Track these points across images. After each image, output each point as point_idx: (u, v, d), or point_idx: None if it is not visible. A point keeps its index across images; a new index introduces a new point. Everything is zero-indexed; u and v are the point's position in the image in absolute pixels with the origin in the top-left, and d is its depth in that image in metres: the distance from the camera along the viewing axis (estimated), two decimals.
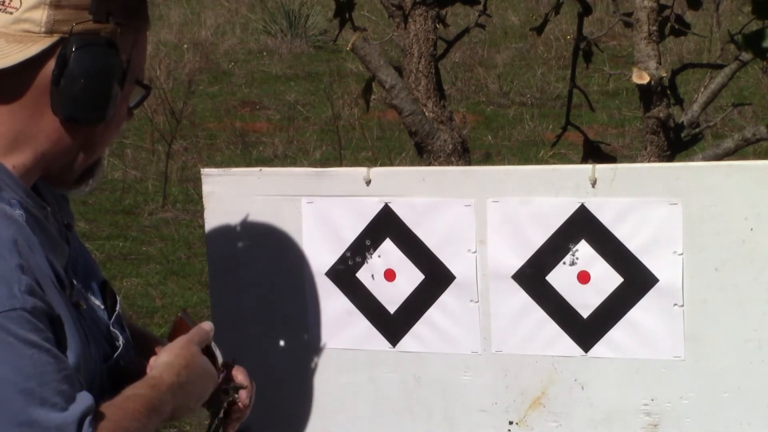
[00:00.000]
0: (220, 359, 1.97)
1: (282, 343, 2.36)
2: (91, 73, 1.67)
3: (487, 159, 8.94)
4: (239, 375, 2.02)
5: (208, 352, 1.96)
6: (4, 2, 1.66)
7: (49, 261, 1.68)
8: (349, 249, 2.29)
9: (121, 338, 1.84)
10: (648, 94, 2.75)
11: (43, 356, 1.58)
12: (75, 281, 1.79)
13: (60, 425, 1.58)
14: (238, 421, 2.05)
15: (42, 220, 1.73)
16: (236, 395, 2.02)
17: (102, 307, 1.85)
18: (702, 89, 3.19)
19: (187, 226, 7.71)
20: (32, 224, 1.68)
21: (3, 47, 1.65)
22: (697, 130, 3.01)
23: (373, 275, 2.28)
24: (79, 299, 1.76)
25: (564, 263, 2.16)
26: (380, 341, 2.30)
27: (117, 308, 1.88)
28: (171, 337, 1.95)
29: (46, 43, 1.66)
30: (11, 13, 1.65)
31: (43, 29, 1.65)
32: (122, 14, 1.69)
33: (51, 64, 1.67)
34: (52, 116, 1.69)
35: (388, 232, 2.26)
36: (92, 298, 1.84)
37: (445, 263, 2.23)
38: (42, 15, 1.65)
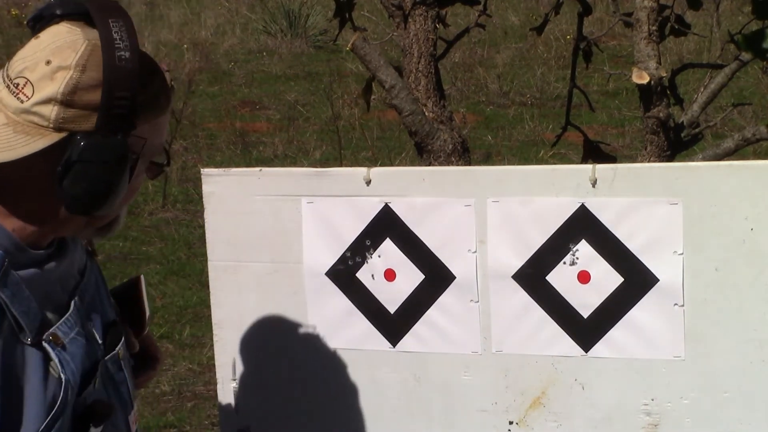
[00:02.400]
0: (147, 313, 2.00)
1: (282, 343, 2.36)
2: (95, 174, 1.64)
3: (487, 159, 8.94)
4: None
5: (138, 303, 1.97)
6: (18, 86, 1.64)
7: (17, 317, 1.66)
8: (349, 249, 2.29)
9: (98, 381, 1.81)
10: (648, 94, 2.75)
11: None
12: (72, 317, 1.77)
13: None
14: None
15: (33, 270, 1.71)
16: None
17: (100, 341, 1.83)
18: (702, 89, 3.19)
19: (187, 226, 7.71)
20: (11, 281, 1.65)
21: (10, 138, 1.63)
22: (697, 130, 3.01)
23: (373, 275, 2.28)
24: (61, 336, 1.73)
25: (564, 263, 2.16)
26: (380, 341, 2.30)
27: (117, 348, 1.86)
28: (122, 290, 1.99)
29: (53, 138, 1.63)
30: (22, 101, 1.63)
31: (51, 125, 1.62)
32: (131, 120, 1.65)
33: (57, 160, 1.63)
34: (60, 206, 1.67)
35: (388, 232, 2.26)
36: (93, 330, 1.83)
37: (445, 263, 2.23)
38: (51, 111, 1.62)
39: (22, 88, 1.64)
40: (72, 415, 1.73)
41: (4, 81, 1.66)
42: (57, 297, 1.76)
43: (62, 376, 1.69)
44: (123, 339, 1.89)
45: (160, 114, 1.71)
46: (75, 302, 1.79)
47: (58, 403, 1.69)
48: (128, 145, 1.66)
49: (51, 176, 1.64)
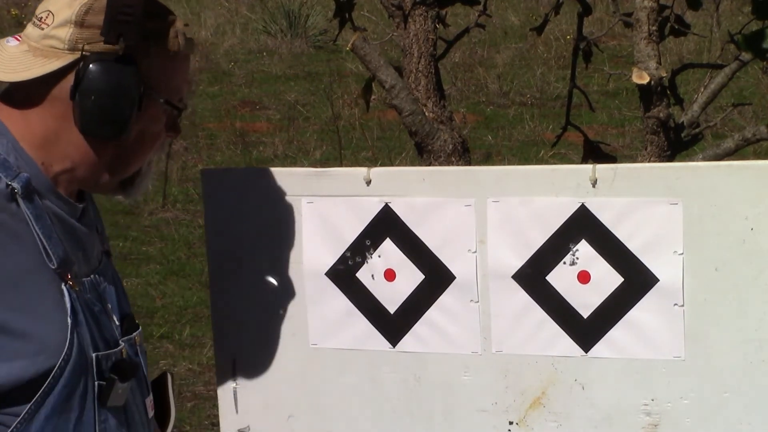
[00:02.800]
0: (172, 413, 2.06)
1: (282, 342, 2.36)
2: (103, 90, 1.77)
3: (487, 159, 8.94)
4: None
5: (164, 400, 2.02)
6: (40, 19, 1.80)
7: (41, 237, 1.75)
8: (349, 249, 2.29)
9: (125, 347, 1.88)
10: (648, 94, 2.75)
11: None
12: (89, 279, 1.86)
13: None
14: None
15: (61, 213, 1.81)
16: None
17: (117, 323, 1.90)
18: (702, 89, 3.19)
19: (187, 226, 7.71)
20: (36, 204, 1.76)
21: (29, 60, 1.78)
22: (697, 130, 3.01)
23: (373, 275, 2.28)
24: (79, 287, 1.82)
25: (564, 263, 2.16)
26: (380, 341, 2.30)
27: (134, 334, 1.93)
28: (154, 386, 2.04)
29: (68, 59, 1.77)
30: (43, 29, 1.79)
31: (66, 46, 1.77)
32: (138, 37, 1.77)
33: (71, 80, 1.77)
34: (77, 133, 1.80)
35: (388, 232, 2.26)
36: (109, 311, 1.89)
37: (445, 263, 2.23)
38: (67, 33, 1.77)
39: (45, 19, 1.79)
40: (97, 371, 1.81)
41: (33, 23, 1.81)
42: (80, 258, 1.84)
43: (68, 320, 1.76)
44: (138, 330, 1.96)
45: (174, 51, 1.83)
46: (95, 277, 1.87)
47: (66, 343, 1.76)
48: (140, 72, 1.78)
49: (68, 100, 1.77)
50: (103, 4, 1.76)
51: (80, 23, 1.77)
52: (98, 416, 1.82)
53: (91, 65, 1.76)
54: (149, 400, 1.98)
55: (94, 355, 1.81)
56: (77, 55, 1.76)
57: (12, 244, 1.73)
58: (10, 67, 1.78)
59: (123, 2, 1.75)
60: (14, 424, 1.74)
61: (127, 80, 1.78)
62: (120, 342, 1.88)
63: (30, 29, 1.81)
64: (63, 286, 1.77)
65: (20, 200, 1.74)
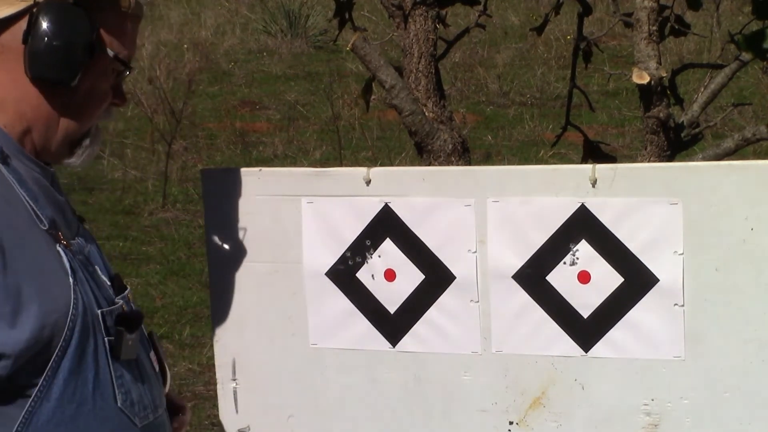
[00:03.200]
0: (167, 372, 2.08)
1: (282, 343, 2.36)
2: (56, 33, 1.79)
3: (487, 159, 8.94)
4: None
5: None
6: None
7: (28, 200, 1.77)
8: (349, 249, 2.29)
9: (123, 303, 1.91)
10: (648, 94, 2.75)
11: None
12: (75, 240, 1.88)
13: None
14: None
15: (37, 176, 1.83)
16: None
17: (108, 283, 1.92)
18: (702, 89, 3.19)
19: (187, 226, 7.71)
20: (13, 168, 1.78)
21: None
22: (697, 130, 3.01)
23: (373, 275, 2.28)
24: (73, 246, 1.84)
25: (564, 263, 2.16)
26: (380, 341, 2.30)
27: (126, 292, 1.95)
28: None
29: (20, 6, 1.79)
30: None
31: None
32: None
33: (22, 27, 1.79)
34: (24, 80, 1.81)
35: (388, 232, 2.26)
36: (99, 272, 1.91)
37: (445, 263, 2.23)
38: None
39: None
40: (104, 326, 1.82)
41: None
42: (62, 221, 1.85)
43: (70, 280, 1.78)
44: (129, 289, 1.98)
45: (125, 9, 1.86)
46: (78, 240, 1.88)
47: (71, 303, 1.77)
48: (91, 19, 1.81)
49: (20, 50, 1.79)
50: None
51: None
52: (114, 372, 1.83)
53: (45, 8, 1.78)
54: (152, 355, 2.00)
55: (99, 311, 1.82)
56: (29, 1, 1.79)
57: (6, 207, 1.74)
58: None
59: None
60: (35, 393, 1.75)
61: (80, 25, 1.81)
62: (116, 300, 1.89)
63: None
64: (58, 247, 1.79)
65: (0, 165, 1.76)
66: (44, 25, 1.78)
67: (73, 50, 1.81)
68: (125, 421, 1.85)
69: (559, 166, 2.30)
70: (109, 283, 1.92)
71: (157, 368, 2.00)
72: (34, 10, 1.79)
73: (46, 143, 1.86)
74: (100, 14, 1.84)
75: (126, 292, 1.95)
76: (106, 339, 1.82)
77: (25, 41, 1.79)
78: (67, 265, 1.79)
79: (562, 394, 2.20)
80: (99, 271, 1.90)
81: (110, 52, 1.86)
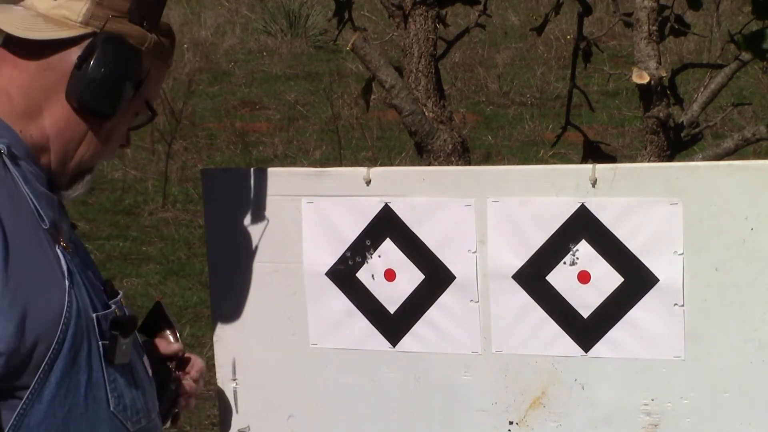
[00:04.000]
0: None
1: (282, 343, 2.36)
2: (112, 66, 1.84)
3: (487, 159, 8.94)
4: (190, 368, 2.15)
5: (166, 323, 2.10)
6: None
7: (32, 199, 1.79)
8: (349, 249, 2.29)
9: (114, 308, 1.91)
10: (648, 94, 2.75)
11: None
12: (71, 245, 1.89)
13: None
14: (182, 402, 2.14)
15: (41, 180, 1.84)
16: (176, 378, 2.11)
17: (101, 288, 1.93)
18: (702, 89, 3.18)
19: (187, 226, 7.71)
20: (20, 167, 1.79)
21: (40, 24, 1.83)
22: (697, 130, 3.00)
23: (373, 275, 2.28)
24: (71, 249, 1.86)
25: (564, 263, 2.16)
26: (380, 341, 2.30)
27: (119, 297, 1.95)
28: (146, 321, 2.10)
29: (79, 31, 1.84)
30: (56, 0, 1.84)
31: (79, 19, 1.84)
32: (154, 27, 1.89)
33: (76, 52, 1.83)
34: (64, 103, 1.84)
35: (388, 232, 2.26)
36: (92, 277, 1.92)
37: (445, 263, 2.23)
38: (82, 7, 1.84)
39: None
40: (98, 330, 1.83)
41: None
42: (63, 223, 1.88)
43: (65, 282, 1.79)
44: (121, 293, 1.99)
45: (165, 56, 1.95)
46: (72, 245, 1.89)
47: (65, 305, 1.78)
48: (142, 66, 1.89)
49: (64, 74, 1.83)
50: None
51: (98, 2, 1.84)
52: (107, 376, 1.84)
53: (106, 40, 1.83)
54: (146, 360, 2.00)
55: (94, 315, 1.83)
56: (89, 29, 1.83)
57: (11, 203, 1.76)
58: (23, 25, 1.83)
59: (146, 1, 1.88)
60: (26, 395, 1.74)
61: (134, 65, 1.87)
62: (110, 304, 1.89)
63: (35, 1, 1.87)
64: (57, 248, 1.80)
65: (7, 161, 1.77)
66: (103, 56, 1.83)
67: (122, 86, 1.86)
68: (117, 425, 1.85)
69: (559, 166, 2.31)
70: (102, 287, 1.92)
71: (150, 372, 2.00)
72: (95, 39, 1.83)
73: (56, 167, 1.88)
74: (149, 58, 1.90)
75: (118, 297, 1.95)
76: (100, 343, 1.83)
77: (78, 67, 1.82)
78: (65, 267, 1.79)
79: (562, 394, 2.20)
80: (93, 275, 1.91)
81: (144, 98, 1.92)
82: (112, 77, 1.84)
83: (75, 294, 1.79)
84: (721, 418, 2.11)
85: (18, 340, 1.71)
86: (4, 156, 1.76)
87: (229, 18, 14.82)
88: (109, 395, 1.84)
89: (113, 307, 1.89)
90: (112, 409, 1.84)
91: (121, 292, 1.97)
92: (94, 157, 1.91)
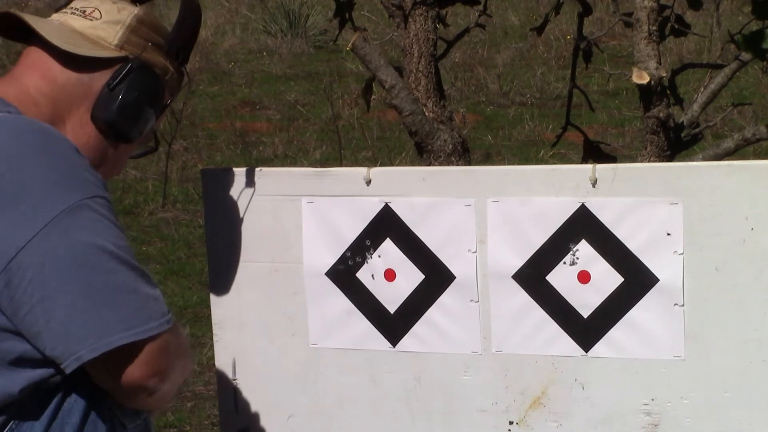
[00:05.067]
0: None
1: (282, 343, 2.36)
2: (144, 93, 1.92)
3: (487, 159, 8.94)
4: None
5: None
6: (86, 12, 1.94)
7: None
8: (349, 249, 2.29)
9: None
10: (648, 94, 2.75)
11: (126, 239, 1.79)
12: None
13: (156, 296, 1.77)
14: None
15: None
16: None
17: None
18: (702, 89, 3.18)
19: (187, 226, 7.71)
20: None
21: (78, 41, 1.90)
22: (697, 130, 3.00)
23: (373, 275, 2.28)
24: None
25: (564, 263, 2.16)
26: (380, 341, 2.30)
27: None
28: None
29: (114, 53, 1.92)
30: (91, 20, 1.93)
31: (115, 42, 1.92)
32: (185, 61, 1.98)
33: (108, 74, 1.91)
34: (87, 121, 1.90)
35: (388, 232, 2.26)
36: None
37: (445, 263, 2.23)
38: (118, 31, 1.93)
39: (91, 13, 1.94)
40: None
41: (65, 13, 1.95)
42: None
43: None
44: None
45: (177, 90, 2.03)
46: None
47: None
48: (165, 93, 1.98)
49: (93, 93, 1.89)
50: (152, 19, 1.98)
51: (133, 29, 1.93)
52: None
53: (141, 67, 1.92)
54: None
55: None
56: (123, 53, 1.92)
57: None
58: (62, 38, 1.89)
59: (192, 28, 2.02)
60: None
61: (161, 95, 1.97)
62: None
63: (68, 18, 1.93)
64: None
65: None
66: (133, 81, 1.90)
67: (149, 113, 1.94)
68: (117, 424, 1.86)
69: (559, 166, 2.30)
70: None
71: None
72: (130, 63, 1.91)
73: None
74: (168, 90, 1.98)
75: None
76: None
77: (112, 88, 1.89)
78: None
79: (562, 394, 2.20)
80: None
81: (156, 126, 2.01)
82: (142, 103, 1.92)
83: None
84: (721, 418, 2.11)
85: None
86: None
87: (229, 18, 14.82)
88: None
89: None
90: (108, 407, 1.85)
91: None
92: (115, 170, 2.01)
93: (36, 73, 1.89)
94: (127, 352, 1.73)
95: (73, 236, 1.71)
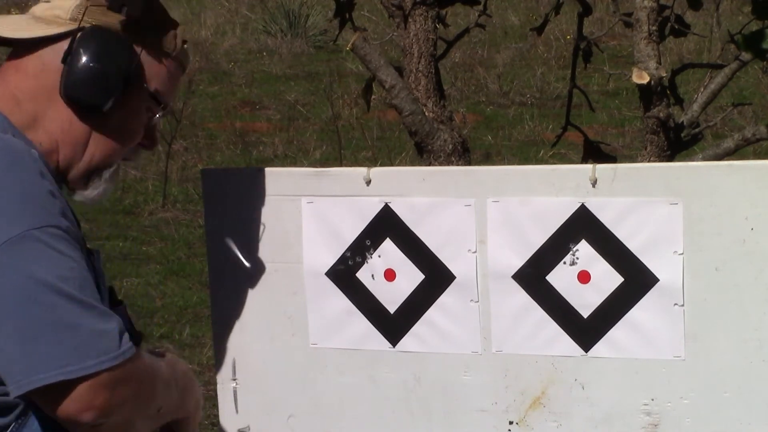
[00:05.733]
0: None
1: (282, 343, 2.36)
2: (94, 56, 1.82)
3: (487, 159, 8.94)
4: None
5: None
6: None
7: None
8: (349, 249, 2.29)
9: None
10: (648, 94, 2.75)
11: (82, 270, 1.71)
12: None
13: (103, 331, 1.69)
14: None
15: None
16: None
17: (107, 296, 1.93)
18: (702, 89, 3.19)
19: (187, 226, 7.71)
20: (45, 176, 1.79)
21: (31, 25, 1.86)
22: (697, 130, 3.01)
23: (373, 275, 2.28)
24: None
25: (564, 263, 2.16)
26: (380, 341, 2.30)
27: (120, 307, 1.95)
28: None
29: (68, 27, 1.84)
30: (49, 1, 1.88)
31: (69, 16, 1.85)
32: (138, 15, 1.85)
33: (65, 48, 1.84)
34: (63, 104, 1.84)
35: (388, 232, 2.26)
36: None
37: (445, 263, 2.23)
38: (72, 4, 1.85)
39: None
40: None
41: (37, 6, 1.90)
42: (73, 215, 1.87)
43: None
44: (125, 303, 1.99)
45: (168, 51, 1.90)
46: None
47: None
48: (131, 51, 1.85)
49: (59, 71, 1.82)
50: None
51: None
52: None
53: (89, 32, 1.83)
54: None
55: None
56: (76, 24, 1.84)
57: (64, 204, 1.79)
58: (11, 28, 1.86)
59: None
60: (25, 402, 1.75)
61: (120, 53, 1.85)
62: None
63: (35, 7, 1.89)
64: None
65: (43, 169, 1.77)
66: (85, 47, 1.82)
67: (108, 76, 1.83)
68: None
69: (559, 166, 2.30)
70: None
71: None
72: (79, 32, 1.83)
73: (68, 167, 1.88)
74: (143, 48, 1.87)
75: (120, 306, 1.94)
76: None
77: (64, 61, 1.82)
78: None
79: (562, 394, 2.20)
80: (104, 297, 1.90)
81: (149, 89, 1.89)
82: (95, 67, 1.82)
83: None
84: (721, 418, 2.11)
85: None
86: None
87: (229, 18, 14.82)
88: None
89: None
90: None
91: (125, 303, 1.98)
92: (106, 156, 1.90)
93: (11, 71, 1.87)
94: (58, 390, 1.68)
95: (12, 269, 1.66)
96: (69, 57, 1.82)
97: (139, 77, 1.87)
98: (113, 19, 1.85)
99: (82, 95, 1.83)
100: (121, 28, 1.85)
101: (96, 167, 1.90)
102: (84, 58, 1.81)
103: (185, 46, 1.95)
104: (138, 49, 1.86)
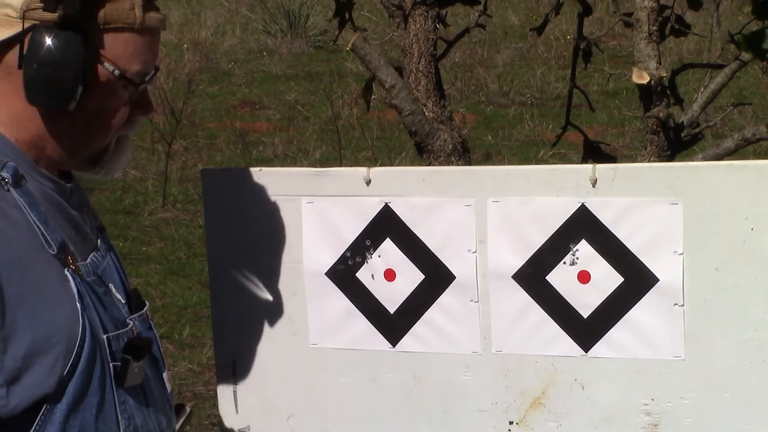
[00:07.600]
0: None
1: (282, 343, 2.36)
2: (44, 58, 1.72)
3: (487, 159, 8.94)
4: None
5: None
6: None
7: (38, 224, 1.73)
8: (349, 249, 2.29)
9: (134, 326, 1.87)
10: (648, 94, 2.75)
11: None
12: (91, 257, 1.85)
13: None
14: None
15: (51, 194, 1.80)
16: None
17: (123, 301, 1.89)
18: (702, 89, 3.18)
19: (187, 226, 7.71)
20: (26, 191, 1.73)
21: None
22: (697, 130, 3.00)
23: (373, 275, 2.28)
24: (82, 270, 1.80)
25: (564, 263, 2.16)
26: (380, 341, 2.30)
27: (144, 309, 1.93)
28: None
29: (18, 28, 1.72)
30: None
31: (17, 15, 1.72)
32: (79, 5, 1.72)
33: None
34: (31, 108, 1.76)
35: (388, 232, 2.26)
36: (114, 291, 1.88)
37: (445, 263, 2.23)
38: (20, 1, 1.72)
39: None
40: (110, 353, 1.79)
41: None
42: (76, 238, 1.82)
43: (78, 305, 1.75)
44: (147, 306, 1.94)
45: (129, 24, 1.77)
46: (94, 257, 1.85)
47: (80, 328, 1.74)
48: (88, 42, 1.73)
49: (20, 74, 1.72)
50: None
51: None
52: (117, 398, 1.80)
53: (34, 33, 1.71)
54: (166, 375, 1.97)
55: (104, 336, 1.79)
56: (28, 23, 1.72)
57: (12, 229, 1.70)
58: None
59: None
60: (38, 418, 1.72)
61: (69, 49, 1.72)
62: (128, 321, 1.85)
63: None
64: (66, 272, 1.75)
65: (12, 189, 1.71)
66: (33, 50, 1.71)
67: (62, 76, 1.72)
68: None
69: (559, 166, 2.30)
70: (124, 300, 1.89)
71: (169, 388, 1.98)
72: (27, 33, 1.72)
73: (61, 158, 1.83)
74: (97, 31, 1.75)
75: (144, 309, 1.92)
76: (111, 365, 1.80)
77: (19, 66, 1.73)
78: (75, 290, 1.75)
79: (562, 394, 2.20)
80: (114, 290, 1.87)
81: (115, 72, 1.77)
82: (47, 70, 1.71)
83: (87, 317, 1.75)
84: (721, 418, 2.11)
85: (11, 369, 1.68)
86: (8, 185, 1.71)
87: (229, 18, 14.82)
88: (120, 417, 1.81)
89: (130, 324, 1.86)
90: (122, 430, 1.81)
91: (147, 304, 1.94)
92: (96, 140, 1.83)
93: None
94: None
95: None
96: (22, 62, 1.72)
97: (101, 64, 1.76)
98: (55, 16, 1.72)
99: (43, 101, 1.74)
100: (65, 24, 1.72)
101: (89, 153, 1.85)
102: (35, 65, 1.71)
103: (144, 5, 1.79)
104: (92, 37, 1.74)
